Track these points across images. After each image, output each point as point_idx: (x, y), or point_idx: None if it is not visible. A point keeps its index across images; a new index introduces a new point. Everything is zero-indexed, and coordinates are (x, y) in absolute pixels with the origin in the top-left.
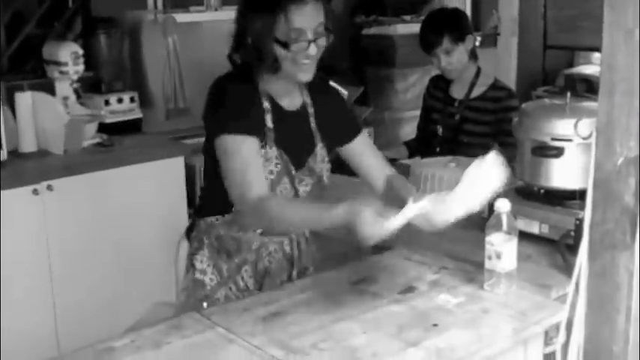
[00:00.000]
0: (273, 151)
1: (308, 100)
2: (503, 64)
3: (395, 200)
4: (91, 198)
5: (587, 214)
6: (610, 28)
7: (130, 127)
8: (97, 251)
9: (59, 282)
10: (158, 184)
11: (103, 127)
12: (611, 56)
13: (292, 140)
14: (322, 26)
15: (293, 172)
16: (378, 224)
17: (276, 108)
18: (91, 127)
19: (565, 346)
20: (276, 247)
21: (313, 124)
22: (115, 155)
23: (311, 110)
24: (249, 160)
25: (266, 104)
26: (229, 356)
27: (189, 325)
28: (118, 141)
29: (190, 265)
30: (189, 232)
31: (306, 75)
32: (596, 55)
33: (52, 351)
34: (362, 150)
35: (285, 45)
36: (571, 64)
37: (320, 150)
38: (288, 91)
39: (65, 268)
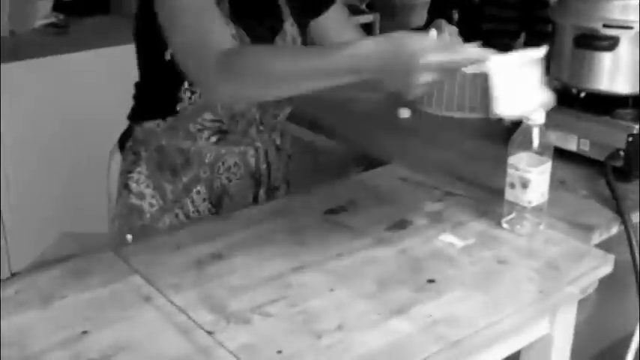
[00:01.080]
0: (230, 30)
1: None
2: None
3: None
4: (42, 86)
5: None
6: None
7: (94, 8)
8: (46, 146)
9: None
10: (119, 73)
11: (60, 6)
12: None
13: (254, 17)
14: None
15: None
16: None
17: None
18: (44, 5)
19: None
20: (236, 160)
21: None
22: (72, 38)
23: None
24: (205, 10)
25: None
26: (139, 323)
27: (98, 270)
28: (75, 22)
29: (124, 187)
30: (122, 141)
31: None
32: None
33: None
34: (336, 23)
35: None
36: None
37: (289, 28)
38: None
39: (14, 161)
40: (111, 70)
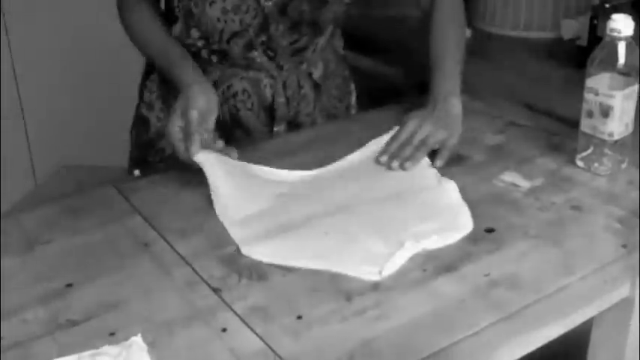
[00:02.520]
0: None
1: None
2: None
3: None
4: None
5: None
6: None
7: None
8: (67, 74)
9: (29, 105)
10: None
11: None
12: None
13: None
14: None
15: None
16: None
17: None
18: None
19: None
20: (246, 87)
21: None
22: None
23: None
24: None
25: None
26: (135, 275)
27: (93, 210)
28: None
29: (139, 96)
30: None
31: None
32: None
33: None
34: None
35: None
36: None
37: None
38: None
39: (35, 92)
40: None
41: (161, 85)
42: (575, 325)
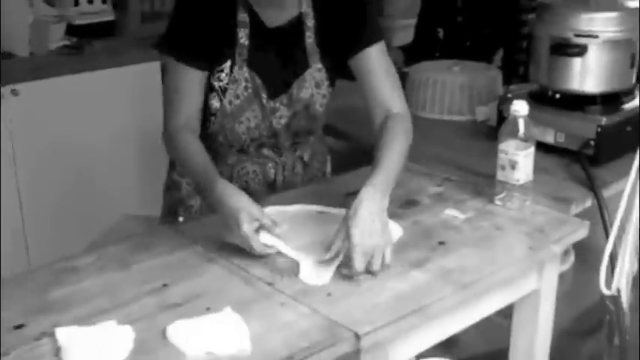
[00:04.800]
0: (243, 73)
1: (309, 11)
2: None
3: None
4: (59, 104)
5: None
6: None
7: (102, 31)
8: (65, 159)
9: (26, 190)
10: (132, 91)
11: (72, 30)
12: None
13: (273, 62)
14: None
15: (264, 99)
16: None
17: (256, 22)
18: (59, 29)
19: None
20: (256, 169)
21: (310, 40)
22: (85, 59)
23: (310, 23)
24: (179, 90)
25: (243, 16)
26: (209, 278)
27: (163, 242)
28: (89, 45)
29: (170, 165)
30: None
31: None
32: None
33: (23, 266)
34: (370, 65)
35: None
36: None
37: (314, 73)
38: (276, 1)
39: (32, 176)
40: (121, 87)
41: None
42: (501, 305)
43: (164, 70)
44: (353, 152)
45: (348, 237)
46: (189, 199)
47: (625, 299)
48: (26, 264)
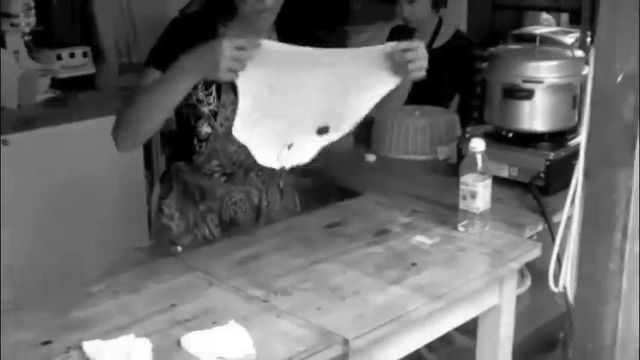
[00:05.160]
0: (229, 97)
1: (274, 37)
2: (454, 23)
3: None
4: (48, 152)
5: (584, 132)
6: None
7: (83, 83)
8: (55, 206)
9: (17, 240)
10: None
11: (55, 83)
12: None
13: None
14: None
15: None
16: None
17: None
18: (44, 82)
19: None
20: (242, 197)
21: None
22: (70, 110)
23: None
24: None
25: None
26: (212, 298)
27: (166, 270)
28: (72, 96)
29: (159, 210)
30: (162, 177)
31: (265, 23)
32: (544, 16)
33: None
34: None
35: None
36: (519, 25)
37: None
38: (252, 28)
39: (23, 225)
40: (104, 137)
41: (178, 203)
42: (471, 316)
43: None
44: (320, 189)
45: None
46: (179, 238)
47: (571, 295)
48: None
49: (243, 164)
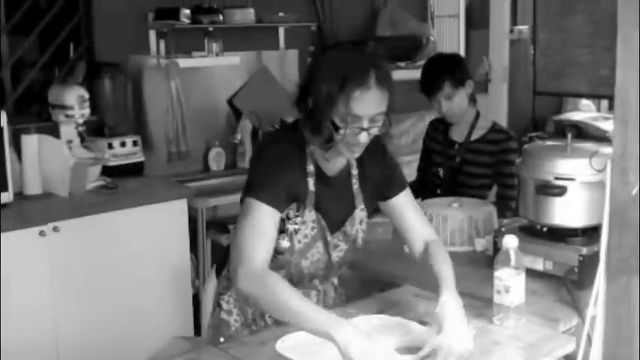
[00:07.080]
0: (311, 215)
1: (352, 162)
2: (495, 110)
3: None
4: (97, 239)
5: (604, 242)
6: (623, 66)
7: (133, 170)
8: (102, 291)
9: (64, 325)
10: (162, 226)
11: (106, 170)
12: (623, 92)
13: (332, 204)
14: (382, 115)
15: (328, 237)
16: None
17: (320, 172)
18: (95, 170)
19: None
20: None
21: (356, 186)
22: (119, 197)
23: (355, 172)
24: (264, 230)
25: (310, 167)
26: None
27: (210, 358)
28: (121, 183)
29: (217, 304)
30: (219, 267)
31: (354, 155)
32: (584, 102)
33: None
34: (403, 207)
35: (338, 129)
36: (559, 111)
37: (359, 212)
38: (333, 157)
39: (70, 309)
40: (151, 223)
41: (237, 300)
42: None
43: (241, 215)
44: (361, 280)
45: (443, 337)
46: (238, 334)
47: None
48: None
49: (310, 275)
